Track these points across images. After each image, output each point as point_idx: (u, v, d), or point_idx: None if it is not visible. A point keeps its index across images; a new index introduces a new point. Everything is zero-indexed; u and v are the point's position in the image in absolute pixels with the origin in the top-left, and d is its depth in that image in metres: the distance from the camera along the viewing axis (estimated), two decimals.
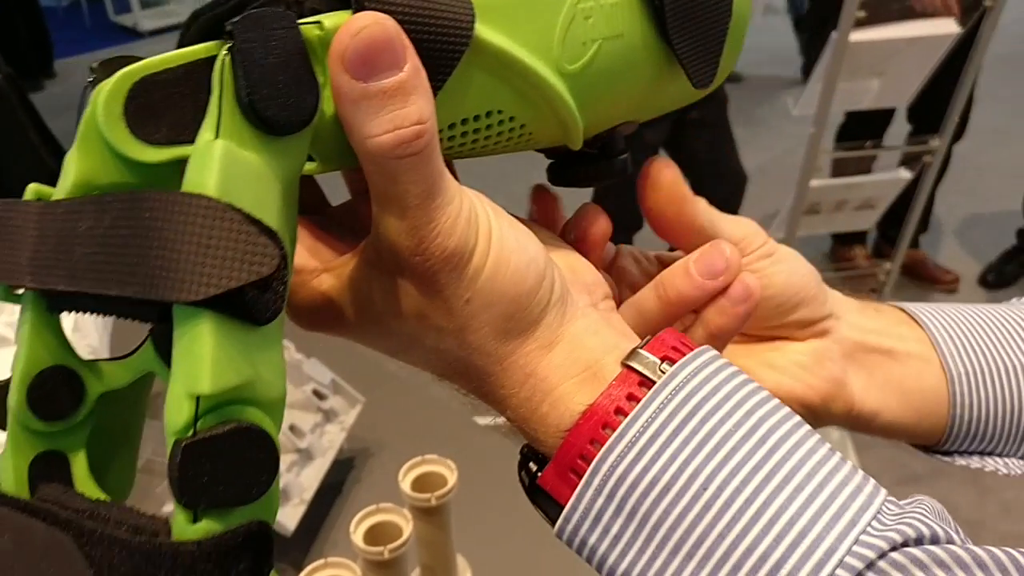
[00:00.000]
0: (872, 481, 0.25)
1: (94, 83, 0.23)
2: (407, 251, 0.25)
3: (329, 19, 0.24)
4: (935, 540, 0.24)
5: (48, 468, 0.24)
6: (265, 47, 0.22)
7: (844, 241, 2.40)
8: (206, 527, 0.20)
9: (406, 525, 0.64)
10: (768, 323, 0.37)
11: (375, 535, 0.64)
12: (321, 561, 0.63)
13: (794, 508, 0.24)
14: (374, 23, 0.23)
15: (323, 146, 0.25)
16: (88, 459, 0.25)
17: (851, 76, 1.51)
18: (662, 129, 1.86)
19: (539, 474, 0.28)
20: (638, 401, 0.25)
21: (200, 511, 0.20)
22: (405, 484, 0.67)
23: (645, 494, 0.25)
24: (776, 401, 0.26)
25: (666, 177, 0.34)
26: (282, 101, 0.23)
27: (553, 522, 0.27)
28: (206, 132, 0.22)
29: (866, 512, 0.24)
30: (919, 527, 0.24)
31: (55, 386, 0.24)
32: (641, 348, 0.27)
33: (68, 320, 0.91)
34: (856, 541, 0.23)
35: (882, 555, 0.23)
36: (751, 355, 0.37)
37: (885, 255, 2.05)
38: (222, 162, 0.21)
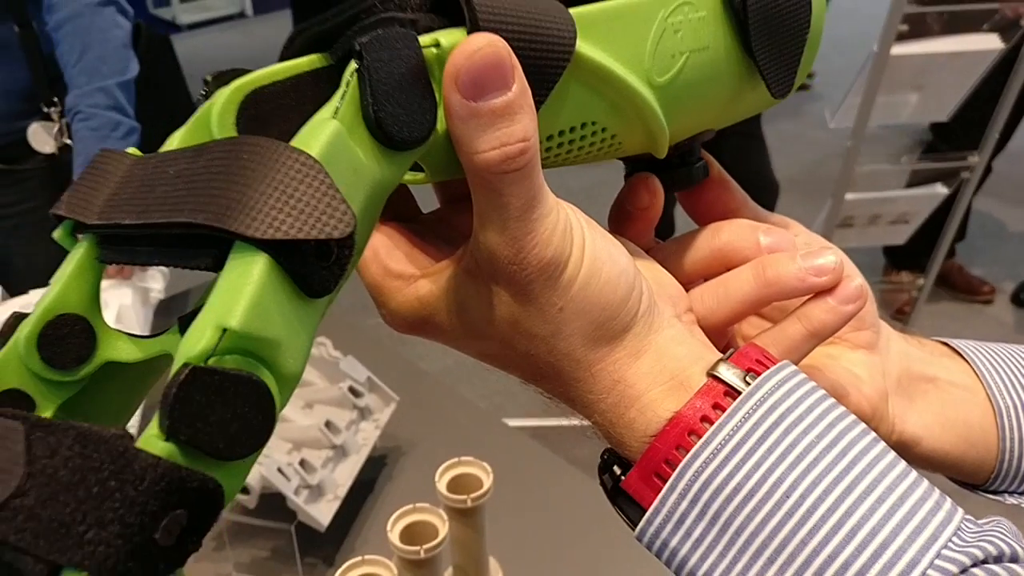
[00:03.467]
0: (949, 499, 0.26)
1: (208, 95, 0.24)
2: (505, 260, 0.26)
3: (445, 37, 0.25)
4: (1015, 559, 0.25)
5: (14, 405, 0.23)
6: (391, 66, 0.24)
7: (895, 264, 2.34)
8: (171, 451, 0.19)
9: (442, 525, 0.65)
10: None
11: (411, 534, 0.65)
12: (359, 558, 0.64)
13: (876, 519, 0.24)
14: (487, 45, 0.24)
15: (433, 158, 0.27)
16: None
17: (890, 90, 1.50)
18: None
19: (623, 477, 0.28)
20: (723, 410, 0.26)
21: (176, 439, 0.19)
22: (441, 485, 0.68)
23: (729, 500, 0.25)
24: (854, 417, 0.27)
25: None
26: (404, 119, 0.24)
27: (634, 525, 0.28)
28: (324, 112, 0.23)
29: (947, 528, 0.24)
30: (1000, 545, 0.24)
31: (69, 334, 0.24)
32: (726, 360, 0.28)
33: (111, 313, 0.93)
34: (938, 555, 0.24)
35: (963, 571, 0.24)
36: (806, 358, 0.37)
37: (918, 267, 2.03)
38: (332, 136, 0.22)
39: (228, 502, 0.20)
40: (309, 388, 0.93)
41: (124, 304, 0.97)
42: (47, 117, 1.24)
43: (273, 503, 0.81)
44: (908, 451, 0.37)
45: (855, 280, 0.32)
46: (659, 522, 0.27)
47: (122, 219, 0.22)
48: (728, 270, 0.33)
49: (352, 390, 0.91)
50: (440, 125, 0.25)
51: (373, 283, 0.30)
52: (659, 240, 0.37)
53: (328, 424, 0.86)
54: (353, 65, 0.24)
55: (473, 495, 0.67)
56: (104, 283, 1.00)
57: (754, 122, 1.96)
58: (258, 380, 0.20)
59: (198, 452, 0.19)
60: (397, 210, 0.31)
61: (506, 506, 0.77)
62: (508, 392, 2.17)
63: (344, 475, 0.86)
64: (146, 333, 0.91)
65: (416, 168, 0.28)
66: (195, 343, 0.20)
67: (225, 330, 0.20)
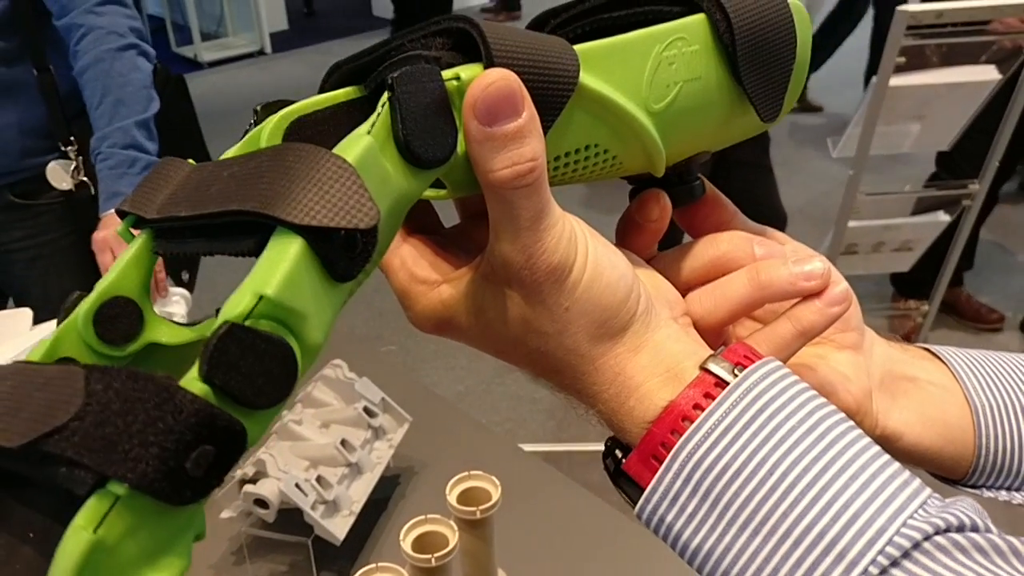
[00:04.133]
0: (918, 479, 0.29)
1: (257, 121, 0.28)
2: (517, 265, 0.30)
3: (465, 72, 0.29)
4: (975, 529, 0.28)
5: None
6: (418, 97, 0.27)
7: (902, 292, 2.34)
8: (207, 392, 0.22)
9: (452, 536, 0.68)
10: None
11: (422, 544, 0.68)
12: (372, 565, 0.67)
13: (849, 493, 0.27)
14: (500, 78, 0.28)
15: (454, 176, 0.30)
16: None
17: (891, 120, 1.53)
18: (704, 168, 1.89)
19: (624, 460, 0.32)
20: (714, 399, 0.29)
21: (212, 383, 0.22)
22: (452, 497, 0.71)
23: (718, 478, 0.28)
24: (833, 406, 0.30)
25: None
26: (429, 142, 0.28)
27: (634, 504, 0.31)
28: (361, 130, 0.27)
29: (914, 501, 0.27)
30: (961, 517, 0.27)
31: (121, 314, 0.27)
32: (717, 355, 0.31)
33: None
34: (904, 524, 0.27)
35: (927, 537, 0.26)
36: (795, 356, 0.39)
37: (924, 295, 2.05)
38: (366, 148, 0.26)
39: (250, 446, 0.23)
40: (326, 408, 0.96)
41: None
42: (64, 155, 1.30)
43: (291, 518, 0.84)
44: (890, 446, 0.39)
45: (840, 284, 0.35)
46: (656, 499, 0.30)
47: (178, 212, 0.25)
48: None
49: (367, 410, 0.94)
50: (460, 148, 0.29)
51: (401, 288, 0.34)
52: (660, 251, 0.40)
53: (344, 443, 0.89)
54: (385, 96, 0.27)
55: (482, 507, 0.69)
56: None
57: (762, 153, 1.99)
58: (285, 343, 0.23)
59: (228, 397, 0.22)
60: (422, 224, 0.35)
61: (515, 522, 0.80)
62: (519, 419, 2.19)
63: (359, 492, 0.89)
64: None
65: (439, 186, 0.32)
66: (235, 306, 0.22)
67: (261, 297, 0.23)
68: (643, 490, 0.30)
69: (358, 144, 0.26)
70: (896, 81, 1.46)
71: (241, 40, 5.47)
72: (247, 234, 0.24)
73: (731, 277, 0.36)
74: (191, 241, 0.26)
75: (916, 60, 1.49)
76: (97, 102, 1.23)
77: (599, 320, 0.31)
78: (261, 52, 5.39)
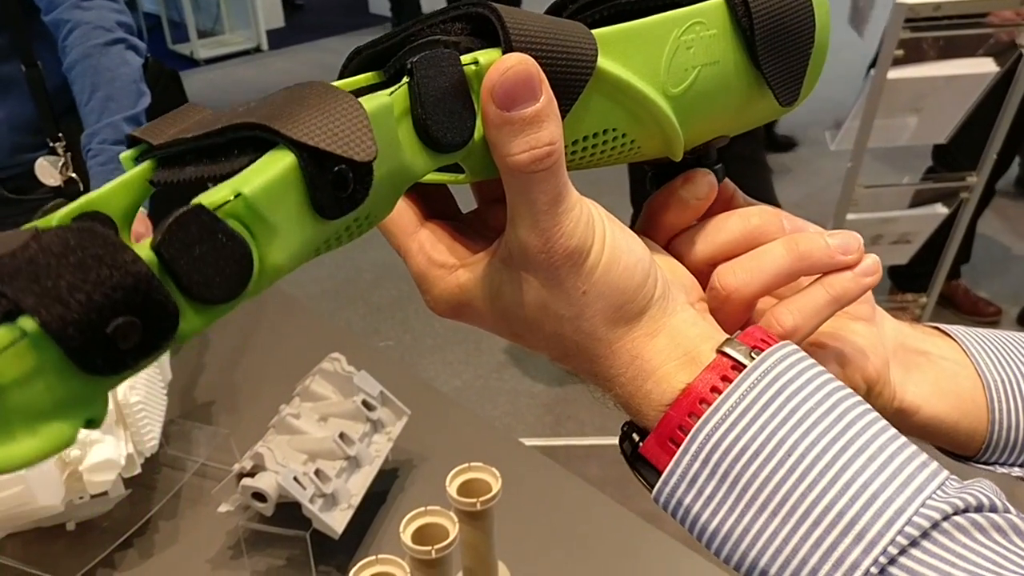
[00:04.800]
0: (936, 462, 0.29)
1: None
2: (535, 249, 0.30)
3: (484, 56, 0.29)
4: (993, 509, 0.28)
5: None
6: (437, 81, 0.28)
7: (900, 285, 2.33)
8: (152, 261, 0.21)
9: (452, 527, 0.68)
10: None
11: (422, 536, 0.68)
12: (372, 558, 0.67)
13: (868, 473, 0.27)
14: (518, 63, 0.28)
15: (473, 160, 0.30)
16: None
17: (889, 113, 1.53)
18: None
19: (641, 444, 0.32)
20: (730, 382, 0.29)
21: (160, 254, 0.21)
22: (452, 489, 0.70)
23: (736, 459, 0.28)
24: (849, 389, 0.30)
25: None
26: (448, 127, 0.28)
27: (651, 487, 0.31)
28: (382, 92, 0.27)
29: (932, 482, 0.27)
30: (980, 497, 0.27)
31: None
32: (733, 338, 0.31)
33: None
34: (923, 504, 0.27)
35: (946, 517, 0.26)
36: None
37: (922, 288, 2.05)
38: (383, 105, 0.26)
39: (180, 342, 0.22)
40: (324, 402, 0.96)
41: None
42: (53, 151, 1.30)
43: (289, 512, 0.83)
44: (908, 419, 0.39)
45: (871, 256, 0.36)
46: (674, 482, 0.30)
47: (185, 135, 0.25)
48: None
49: (365, 404, 0.94)
50: (478, 133, 0.29)
51: (419, 271, 0.34)
52: None
53: (342, 436, 0.89)
54: (404, 80, 0.28)
55: (482, 498, 0.69)
56: None
57: (756, 147, 2.00)
58: (247, 245, 0.23)
59: (171, 276, 0.21)
60: (440, 208, 0.35)
61: (515, 514, 0.80)
62: (516, 413, 2.19)
63: (357, 485, 0.89)
64: (167, 366, 0.95)
65: (457, 170, 0.32)
66: (210, 195, 0.22)
67: (239, 195, 0.22)
68: (660, 473, 0.30)
69: (376, 99, 0.26)
70: (894, 74, 1.46)
71: (237, 37, 5.46)
72: (248, 153, 0.24)
73: (767, 248, 0.36)
74: (189, 167, 0.26)
75: (913, 53, 1.49)
76: (87, 98, 1.22)
77: (616, 304, 0.31)
78: (257, 49, 5.39)
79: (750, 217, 0.37)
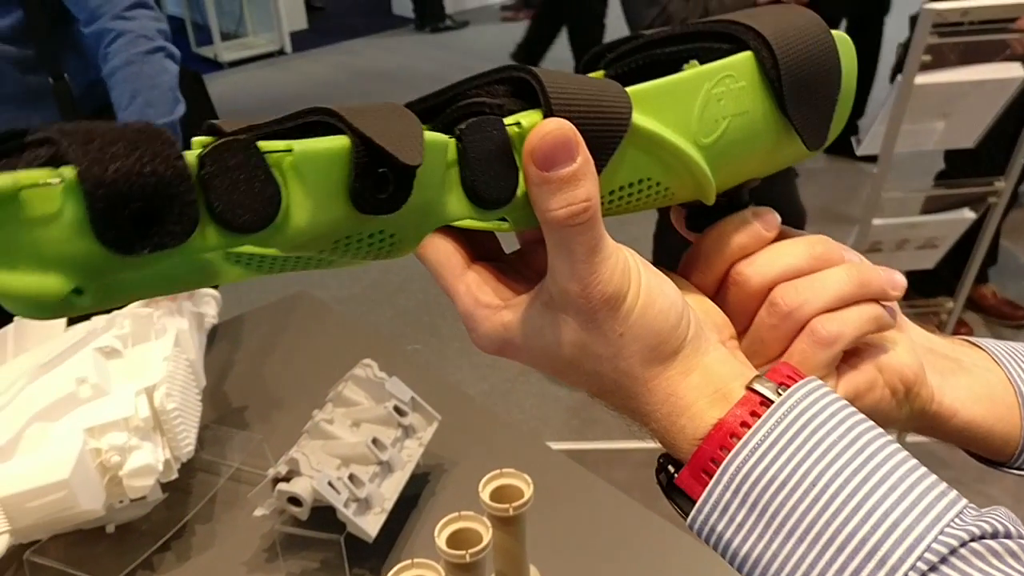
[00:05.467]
0: (955, 491, 0.30)
1: None
2: (574, 295, 0.32)
3: (525, 119, 0.31)
4: (1008, 536, 0.29)
5: None
6: (483, 144, 0.31)
7: (922, 290, 2.24)
8: (194, 166, 0.23)
9: (486, 532, 0.69)
10: None
11: (456, 540, 0.69)
12: (408, 562, 0.68)
13: (888, 503, 0.29)
14: (557, 128, 0.30)
15: (516, 213, 0.33)
16: None
17: (916, 118, 1.53)
18: None
19: (676, 475, 0.33)
20: (759, 417, 0.31)
21: (202, 163, 0.23)
22: (484, 494, 0.72)
23: (765, 489, 0.30)
24: (871, 423, 0.32)
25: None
26: (493, 185, 0.31)
27: (686, 515, 0.33)
28: (441, 135, 0.30)
29: (951, 511, 0.29)
30: (996, 525, 0.29)
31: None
32: (761, 376, 0.33)
33: (169, 338, 0.98)
34: (942, 532, 0.28)
35: (963, 544, 0.28)
36: None
37: (948, 293, 2.04)
38: (440, 141, 0.30)
39: (193, 251, 0.24)
40: (356, 407, 0.98)
41: (182, 329, 1.03)
42: None
43: (323, 516, 0.85)
44: (946, 423, 0.40)
45: (901, 275, 0.39)
46: (707, 511, 0.32)
47: (255, 123, 0.27)
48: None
49: (397, 409, 0.96)
50: (521, 188, 0.32)
51: (466, 311, 0.36)
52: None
53: (375, 441, 0.91)
54: (452, 142, 0.31)
55: (515, 504, 0.71)
56: (161, 310, 1.06)
57: None
58: (279, 190, 0.25)
59: (203, 190, 0.23)
60: (485, 251, 0.38)
61: (545, 518, 0.81)
62: (543, 416, 2.20)
63: (390, 489, 0.90)
64: (200, 356, 0.98)
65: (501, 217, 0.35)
66: (267, 143, 0.25)
67: (290, 149, 0.25)
68: (694, 502, 0.32)
69: (434, 134, 0.30)
70: (921, 79, 1.46)
71: (261, 40, 5.51)
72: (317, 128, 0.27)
73: (830, 272, 0.38)
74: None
75: (939, 58, 1.48)
76: (126, 103, 1.25)
77: (651, 345, 0.33)
78: (281, 52, 5.43)
79: (815, 244, 0.39)
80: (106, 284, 0.23)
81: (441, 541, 0.68)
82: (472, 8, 6.10)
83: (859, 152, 1.65)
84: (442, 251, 0.36)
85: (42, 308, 0.22)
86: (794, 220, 2.00)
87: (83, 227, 0.21)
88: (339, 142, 0.26)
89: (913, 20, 1.85)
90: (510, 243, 0.40)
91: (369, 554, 0.88)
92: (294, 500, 0.84)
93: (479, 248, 0.37)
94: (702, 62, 0.36)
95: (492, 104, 0.32)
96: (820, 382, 0.33)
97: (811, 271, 0.38)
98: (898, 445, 0.31)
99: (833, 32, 0.37)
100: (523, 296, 0.35)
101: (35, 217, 0.21)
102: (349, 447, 0.91)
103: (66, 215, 0.21)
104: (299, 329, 1.31)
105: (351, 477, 0.87)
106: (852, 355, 0.39)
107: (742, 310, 0.38)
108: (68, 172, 0.21)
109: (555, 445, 1.12)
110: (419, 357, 2.46)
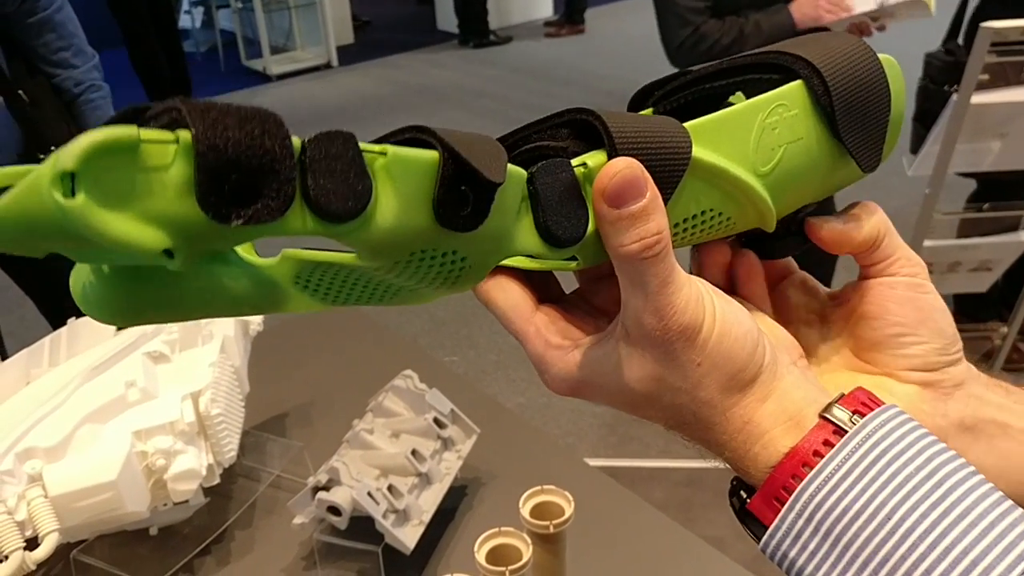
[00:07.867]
0: None
1: None
2: (650, 327, 0.32)
3: (591, 159, 0.33)
4: None
5: None
6: (553, 187, 0.32)
7: (970, 315, 2.18)
8: (298, 154, 0.24)
9: (526, 549, 0.69)
10: (874, 341, 0.39)
11: (495, 556, 0.69)
12: None
13: (968, 540, 0.28)
14: (626, 167, 0.31)
15: (586, 251, 0.34)
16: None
17: (971, 138, 1.50)
18: None
19: (748, 501, 0.33)
20: (832, 446, 0.31)
21: (304, 150, 0.24)
22: (525, 511, 0.71)
23: (838, 519, 0.30)
24: (953, 452, 0.31)
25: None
26: (565, 225, 0.32)
27: (758, 539, 0.33)
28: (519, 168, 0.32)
29: None
30: None
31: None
32: (836, 403, 0.33)
33: (215, 344, 0.99)
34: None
35: None
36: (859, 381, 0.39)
37: (1003, 318, 1.98)
38: (520, 173, 0.32)
39: (281, 231, 0.25)
40: (396, 419, 0.98)
41: (228, 335, 1.04)
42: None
43: (361, 526, 0.85)
44: None
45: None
46: (779, 536, 0.31)
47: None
48: None
49: (436, 421, 0.95)
50: (591, 226, 0.33)
51: (537, 354, 0.36)
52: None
53: (414, 452, 0.90)
54: (525, 186, 0.32)
55: (555, 521, 0.70)
56: (207, 319, 1.06)
57: None
58: (372, 186, 0.26)
59: (302, 172, 0.24)
60: (548, 293, 0.38)
61: (583, 535, 0.80)
62: (579, 432, 2.18)
63: (429, 501, 0.90)
64: (245, 363, 0.99)
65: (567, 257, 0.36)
66: (369, 144, 0.27)
67: (385, 152, 0.26)
68: (766, 528, 0.32)
69: (514, 166, 0.31)
70: (978, 99, 1.43)
71: (308, 54, 5.61)
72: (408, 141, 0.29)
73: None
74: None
75: (998, 76, 1.45)
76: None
77: (730, 373, 0.33)
78: (328, 65, 5.52)
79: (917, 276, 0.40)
80: (196, 254, 0.24)
81: (481, 556, 0.68)
82: (516, 24, 6.15)
83: (910, 172, 1.62)
84: (512, 295, 0.36)
85: (134, 256, 0.23)
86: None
87: (188, 189, 0.23)
88: (429, 154, 0.28)
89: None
90: (568, 284, 0.41)
91: (406, 566, 0.88)
92: (333, 509, 0.84)
93: (543, 292, 0.38)
94: (747, 94, 0.36)
95: (556, 147, 0.33)
96: (898, 409, 0.32)
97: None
98: (982, 477, 0.30)
99: (880, 56, 0.38)
100: (595, 336, 0.35)
101: (149, 168, 0.22)
102: (388, 458, 0.91)
103: (175, 174, 0.22)
104: (339, 339, 1.32)
105: (390, 488, 0.87)
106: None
107: None
108: (185, 135, 0.22)
109: (592, 462, 1.11)
110: (455, 369, 2.46)
